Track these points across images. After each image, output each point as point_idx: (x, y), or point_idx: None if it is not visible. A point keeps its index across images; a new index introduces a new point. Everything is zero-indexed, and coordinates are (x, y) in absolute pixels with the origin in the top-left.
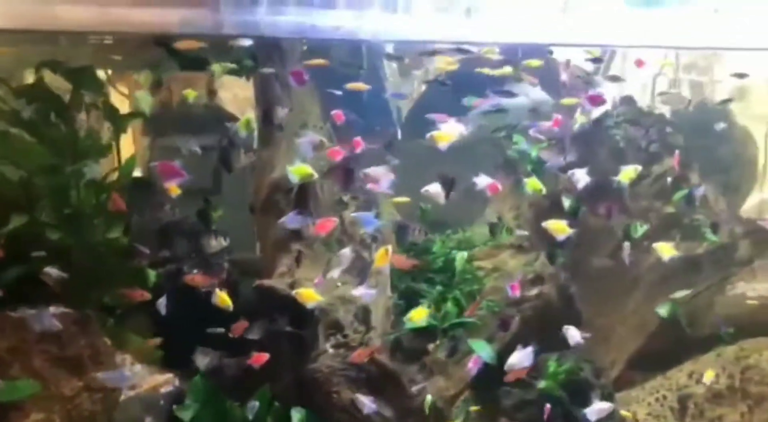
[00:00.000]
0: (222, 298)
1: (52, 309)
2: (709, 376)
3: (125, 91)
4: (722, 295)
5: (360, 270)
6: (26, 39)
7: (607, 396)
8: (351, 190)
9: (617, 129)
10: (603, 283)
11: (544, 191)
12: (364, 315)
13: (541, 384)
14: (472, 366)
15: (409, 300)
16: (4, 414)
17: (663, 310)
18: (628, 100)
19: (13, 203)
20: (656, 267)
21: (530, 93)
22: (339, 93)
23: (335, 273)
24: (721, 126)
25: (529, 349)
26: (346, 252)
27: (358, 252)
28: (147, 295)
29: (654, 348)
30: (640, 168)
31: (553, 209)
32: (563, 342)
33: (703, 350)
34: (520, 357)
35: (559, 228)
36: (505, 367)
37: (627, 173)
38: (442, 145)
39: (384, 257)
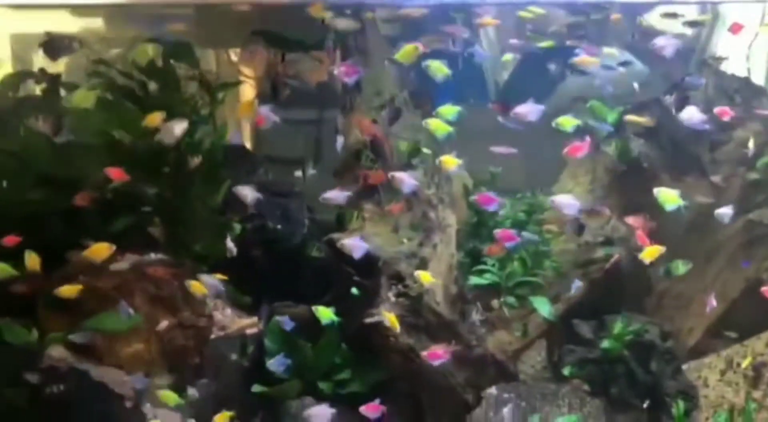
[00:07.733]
0: None
1: (152, 255)
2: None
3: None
4: None
5: (426, 229)
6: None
7: (670, 360)
8: None
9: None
10: (683, 249)
11: None
12: (424, 268)
13: (605, 343)
14: None
15: (475, 258)
16: (111, 342)
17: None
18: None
19: (122, 163)
20: (740, 233)
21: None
22: None
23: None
24: None
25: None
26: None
27: (425, 212)
28: None
29: (736, 315)
30: None
31: (630, 174)
32: (632, 306)
33: None
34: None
35: (668, 198)
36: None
37: None
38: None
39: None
